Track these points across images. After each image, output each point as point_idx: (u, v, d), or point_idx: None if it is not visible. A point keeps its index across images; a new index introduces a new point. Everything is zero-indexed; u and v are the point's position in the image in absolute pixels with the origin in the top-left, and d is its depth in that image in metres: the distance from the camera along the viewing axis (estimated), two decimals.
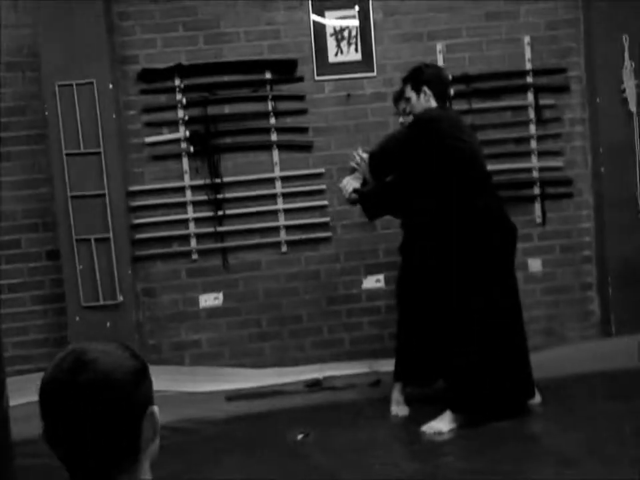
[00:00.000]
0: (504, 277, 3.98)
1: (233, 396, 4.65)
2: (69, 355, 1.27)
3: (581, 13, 5.19)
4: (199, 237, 5.08)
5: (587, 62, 5.19)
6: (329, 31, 5.10)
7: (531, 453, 3.54)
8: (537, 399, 4.15)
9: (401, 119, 4.28)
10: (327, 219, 5.14)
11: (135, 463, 1.28)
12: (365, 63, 5.13)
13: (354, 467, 3.46)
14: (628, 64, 5.10)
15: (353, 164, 4.23)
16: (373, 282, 5.19)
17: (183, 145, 5.03)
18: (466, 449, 3.67)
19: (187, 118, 5.02)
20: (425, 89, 3.99)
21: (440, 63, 5.08)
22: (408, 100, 4.09)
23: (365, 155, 4.13)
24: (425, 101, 4.00)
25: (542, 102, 5.20)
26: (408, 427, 4.02)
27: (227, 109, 5.09)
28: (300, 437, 3.90)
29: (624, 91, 5.10)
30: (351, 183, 4.21)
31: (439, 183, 3.92)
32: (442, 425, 3.90)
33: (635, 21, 5.06)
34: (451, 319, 3.90)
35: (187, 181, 5.05)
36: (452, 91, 5.06)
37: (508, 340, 3.96)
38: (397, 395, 4.29)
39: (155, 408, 1.30)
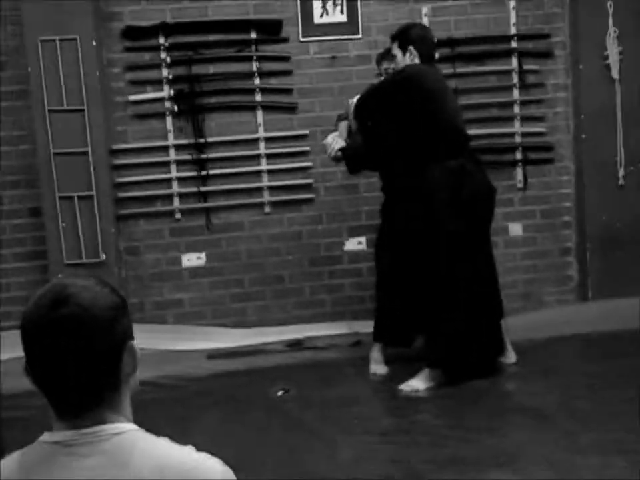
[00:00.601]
0: (482, 238, 4.03)
1: (215, 354, 4.70)
2: (50, 290, 1.29)
3: None
4: (182, 196, 5.09)
5: (572, 28, 5.20)
6: None
7: (506, 410, 3.62)
8: (513, 358, 4.23)
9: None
10: (310, 181, 5.16)
11: (116, 396, 1.32)
12: (350, 24, 5.12)
13: (333, 421, 3.52)
14: (611, 31, 5.12)
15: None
16: (355, 244, 5.23)
17: (167, 104, 5.02)
18: (442, 406, 3.75)
19: (171, 77, 4.99)
20: (411, 48, 4.02)
21: None
22: (394, 57, 4.11)
23: (354, 100, 4.15)
24: (410, 60, 4.03)
25: (526, 67, 5.22)
26: (386, 385, 4.10)
27: (212, 69, 5.07)
28: (280, 393, 3.96)
29: (607, 57, 5.13)
30: (336, 141, 4.24)
31: (417, 141, 3.94)
32: (419, 383, 3.97)
33: None
34: (433, 283, 3.93)
35: (170, 140, 5.04)
36: (437, 55, 5.06)
37: (487, 301, 4.04)
38: (376, 354, 4.36)
39: (135, 342, 1.33)
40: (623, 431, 3.14)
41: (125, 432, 1.29)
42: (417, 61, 4.02)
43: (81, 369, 1.26)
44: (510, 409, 3.62)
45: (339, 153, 4.25)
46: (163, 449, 1.30)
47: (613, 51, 5.13)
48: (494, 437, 3.27)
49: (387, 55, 4.26)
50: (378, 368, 4.29)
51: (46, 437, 1.30)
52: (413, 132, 3.92)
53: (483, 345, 4.03)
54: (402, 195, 4.10)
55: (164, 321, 5.12)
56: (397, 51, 4.08)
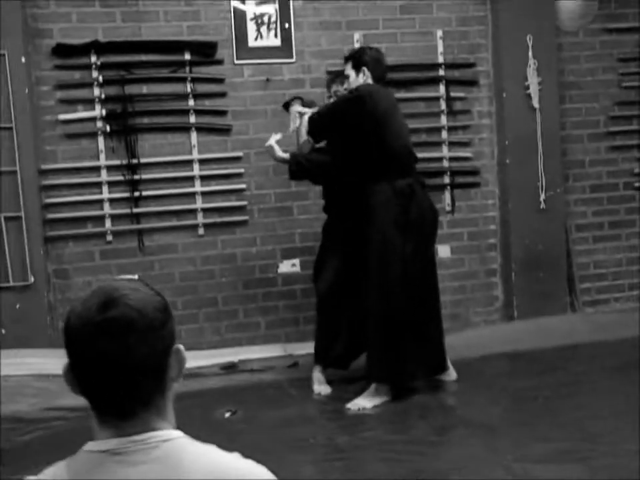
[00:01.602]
0: (427, 258, 4.13)
1: None
2: (98, 292, 1.25)
3: (490, 11, 5.43)
4: (114, 218, 4.96)
5: (495, 58, 5.44)
6: (249, 15, 5.11)
7: (455, 424, 3.70)
8: (454, 376, 4.33)
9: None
10: (244, 203, 5.15)
11: (162, 401, 1.29)
12: (284, 49, 5.17)
13: (288, 441, 3.49)
14: (531, 62, 5.39)
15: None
16: (288, 266, 5.24)
17: (99, 124, 4.91)
18: (392, 422, 3.79)
19: (103, 96, 4.89)
20: (364, 69, 4.11)
21: None
22: (347, 77, 4.18)
23: (306, 117, 4.18)
24: (363, 80, 4.11)
25: (453, 94, 5.41)
26: (332, 404, 4.10)
27: (145, 89, 5.00)
28: (228, 414, 3.90)
29: (528, 87, 5.39)
30: (277, 138, 4.24)
31: (368, 160, 4.01)
32: (366, 401, 4.00)
33: (538, 22, 5.35)
34: (381, 301, 3.97)
35: (102, 160, 4.92)
36: None
37: (430, 319, 4.13)
38: (318, 374, 4.37)
39: (181, 346, 1.31)
40: (573, 440, 3.27)
41: (173, 439, 1.26)
42: (369, 81, 4.11)
43: (131, 373, 1.23)
44: (459, 423, 3.70)
45: (286, 156, 4.23)
46: (212, 455, 1.27)
47: (533, 81, 5.39)
48: (449, 449, 3.34)
49: (336, 78, 4.34)
50: (322, 388, 4.30)
51: (91, 446, 1.25)
52: (364, 150, 3.99)
53: (428, 361, 4.11)
54: (350, 214, 4.15)
55: None
56: (350, 72, 4.16)
